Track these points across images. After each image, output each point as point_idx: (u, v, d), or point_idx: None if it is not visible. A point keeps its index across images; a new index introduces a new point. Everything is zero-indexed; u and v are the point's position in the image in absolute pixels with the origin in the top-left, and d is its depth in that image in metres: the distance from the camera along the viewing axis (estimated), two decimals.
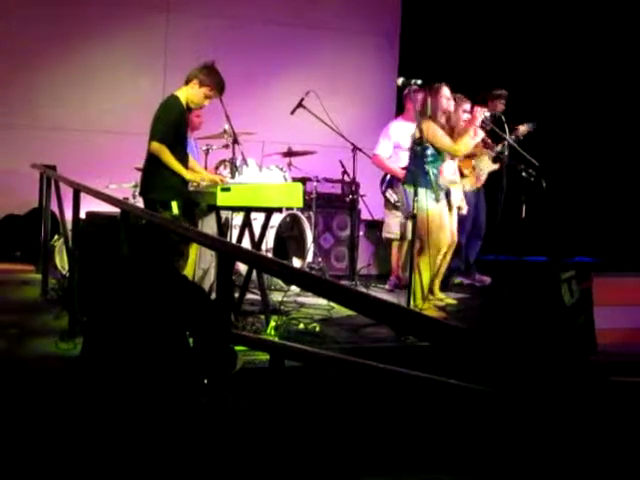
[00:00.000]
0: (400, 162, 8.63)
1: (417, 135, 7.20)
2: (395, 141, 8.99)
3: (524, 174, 9.23)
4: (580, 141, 10.60)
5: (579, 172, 11.05)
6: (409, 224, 7.42)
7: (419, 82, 7.27)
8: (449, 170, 7.90)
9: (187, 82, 6.85)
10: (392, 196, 9.02)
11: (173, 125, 6.73)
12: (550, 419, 2.02)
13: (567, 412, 1.97)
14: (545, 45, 11.45)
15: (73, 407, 3.35)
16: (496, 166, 9.11)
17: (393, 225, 9.24)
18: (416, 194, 7.04)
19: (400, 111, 9.81)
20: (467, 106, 8.11)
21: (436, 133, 7.37)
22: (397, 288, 9.07)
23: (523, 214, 9.57)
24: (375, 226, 10.45)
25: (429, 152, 7.31)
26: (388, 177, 9.13)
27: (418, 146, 7.16)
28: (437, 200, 7.13)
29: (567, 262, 7.95)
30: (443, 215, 7.48)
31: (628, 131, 10.84)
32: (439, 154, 7.42)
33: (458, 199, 8.20)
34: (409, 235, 7.59)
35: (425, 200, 7.12)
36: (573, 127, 9.47)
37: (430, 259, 7.34)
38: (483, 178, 9.24)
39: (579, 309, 6.48)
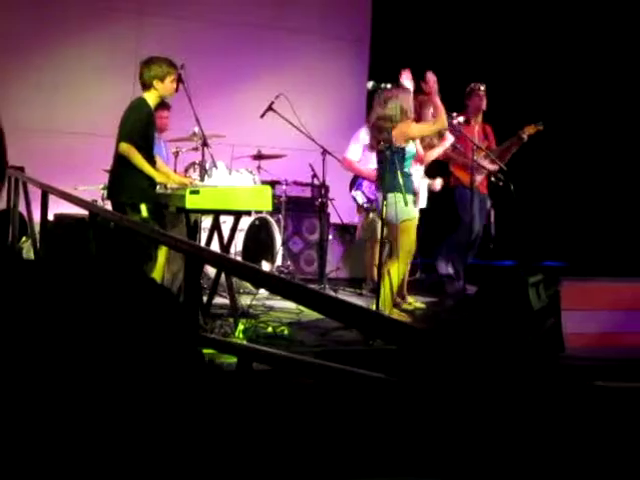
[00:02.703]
0: (369, 164, 8.62)
1: (386, 139, 7.18)
2: (365, 144, 8.98)
3: (493, 179, 9.29)
4: (548, 145, 10.64)
5: (547, 176, 11.11)
6: (390, 227, 7.39)
7: (389, 86, 7.30)
8: (416, 174, 7.98)
9: (148, 87, 6.84)
10: (360, 197, 9.02)
11: (141, 126, 6.73)
12: (515, 423, 2.03)
13: (533, 415, 1.97)
14: (514, 47, 11.50)
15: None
16: (494, 166, 9.15)
17: (364, 226, 9.20)
18: (385, 198, 7.07)
19: None
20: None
21: (420, 127, 7.41)
22: (370, 292, 9.02)
23: (492, 218, 9.62)
24: (344, 229, 10.47)
25: (406, 154, 7.32)
26: (359, 180, 9.12)
27: (387, 150, 7.15)
28: (406, 203, 7.14)
29: (535, 266, 8.00)
30: (415, 221, 7.51)
31: (596, 135, 10.91)
32: (410, 153, 7.42)
33: (423, 202, 8.30)
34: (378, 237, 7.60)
35: (399, 206, 7.14)
36: (541, 131, 9.50)
37: (402, 264, 7.36)
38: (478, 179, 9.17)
39: (547, 313, 6.51)
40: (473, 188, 8.84)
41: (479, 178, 9.23)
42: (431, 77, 7.31)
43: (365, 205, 8.90)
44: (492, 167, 9.23)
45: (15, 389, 2.33)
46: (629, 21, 10.73)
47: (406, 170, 7.33)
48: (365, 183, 8.90)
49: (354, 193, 9.09)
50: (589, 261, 9.33)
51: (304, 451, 3.89)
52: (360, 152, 9.03)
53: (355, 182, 9.22)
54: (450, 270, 9.48)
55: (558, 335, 6.29)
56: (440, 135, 8.45)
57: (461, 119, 9.00)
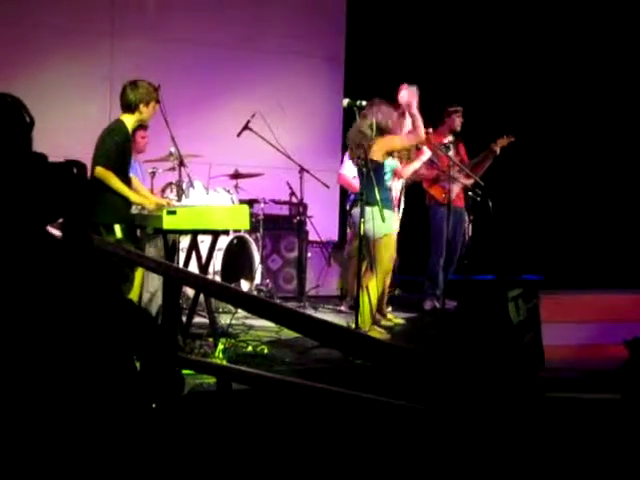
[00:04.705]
0: None
1: (362, 156, 7.18)
2: None
3: (470, 193, 9.32)
4: (523, 159, 10.69)
5: (522, 190, 11.14)
6: (368, 242, 7.39)
7: (364, 103, 7.30)
8: (395, 189, 7.99)
9: (132, 109, 6.80)
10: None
11: (118, 150, 6.70)
12: (490, 435, 2.03)
13: (507, 428, 1.98)
14: (491, 64, 11.56)
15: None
16: (469, 180, 9.23)
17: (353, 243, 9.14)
18: (363, 214, 7.08)
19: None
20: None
21: (400, 139, 7.41)
22: (350, 309, 8.96)
23: (470, 233, 9.65)
24: (323, 247, 10.47)
25: (385, 168, 7.34)
26: (352, 196, 9.06)
27: (364, 166, 7.16)
28: (383, 219, 7.12)
29: (514, 280, 8.01)
30: (394, 236, 7.51)
31: (571, 148, 10.96)
32: (391, 166, 7.45)
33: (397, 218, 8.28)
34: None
35: (377, 221, 7.13)
36: (517, 145, 9.56)
37: (380, 280, 7.35)
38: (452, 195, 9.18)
39: (526, 327, 6.52)
40: (449, 204, 8.88)
41: (454, 192, 9.26)
42: (411, 90, 7.32)
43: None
44: (467, 181, 9.28)
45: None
46: (596, 34, 10.81)
47: (387, 184, 7.36)
48: None
49: (352, 211, 9.01)
50: (566, 274, 9.35)
51: (282, 472, 3.88)
52: (355, 168, 8.98)
53: (349, 198, 9.19)
54: (436, 304, 9.49)
55: (538, 348, 6.30)
56: (417, 149, 8.46)
57: (451, 138, 9.10)
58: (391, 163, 7.43)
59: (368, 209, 7.12)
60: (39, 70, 10.69)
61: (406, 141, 7.52)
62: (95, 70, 10.82)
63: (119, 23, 11.11)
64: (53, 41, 10.72)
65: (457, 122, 9.57)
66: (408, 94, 7.31)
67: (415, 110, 7.30)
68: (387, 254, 7.34)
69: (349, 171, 8.86)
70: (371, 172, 7.14)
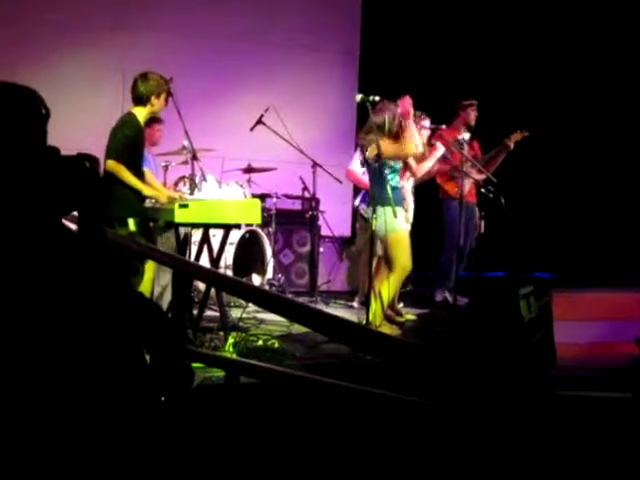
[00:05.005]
0: None
1: (374, 152, 7.15)
2: None
3: (483, 190, 9.28)
4: (537, 158, 10.66)
5: (535, 188, 11.11)
6: (381, 241, 7.36)
7: (377, 99, 7.28)
8: (406, 187, 7.98)
9: (143, 102, 6.81)
10: (366, 212, 8.94)
11: (129, 143, 6.70)
12: (500, 432, 2.02)
13: (518, 426, 1.97)
14: (505, 60, 11.53)
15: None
16: (481, 176, 9.17)
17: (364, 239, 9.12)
18: (375, 212, 7.06)
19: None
20: (426, 123, 8.15)
21: (392, 148, 7.33)
22: (361, 305, 8.94)
23: (482, 230, 9.62)
24: (335, 242, 10.46)
25: (387, 168, 7.29)
26: (362, 192, 9.03)
27: (376, 163, 7.14)
28: (395, 215, 7.10)
29: (525, 278, 8.00)
30: (406, 232, 7.47)
31: (584, 146, 10.92)
32: (394, 168, 7.38)
33: (410, 215, 8.26)
34: (379, 251, 7.56)
35: (388, 219, 7.10)
36: (531, 140, 9.54)
37: (395, 278, 7.31)
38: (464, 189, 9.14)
39: (537, 324, 6.50)
40: (462, 199, 8.83)
41: (466, 187, 9.22)
42: (406, 100, 7.30)
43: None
44: (479, 177, 9.24)
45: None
46: (610, 29, 10.78)
47: (392, 183, 7.29)
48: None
49: (360, 206, 8.97)
50: (577, 272, 9.33)
51: (289, 467, 3.88)
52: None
53: (358, 195, 9.17)
54: (447, 296, 9.47)
55: (550, 346, 6.29)
56: (430, 145, 8.42)
57: (466, 136, 9.06)
58: (394, 164, 7.37)
59: (379, 207, 7.10)
60: (51, 64, 10.69)
61: (397, 153, 7.41)
62: (107, 63, 10.80)
63: (127, 17, 11.07)
64: (62, 37, 10.71)
65: (472, 116, 9.57)
66: (407, 104, 7.29)
67: (411, 120, 7.29)
68: (401, 250, 7.27)
69: (357, 167, 8.85)
70: (383, 170, 7.13)
